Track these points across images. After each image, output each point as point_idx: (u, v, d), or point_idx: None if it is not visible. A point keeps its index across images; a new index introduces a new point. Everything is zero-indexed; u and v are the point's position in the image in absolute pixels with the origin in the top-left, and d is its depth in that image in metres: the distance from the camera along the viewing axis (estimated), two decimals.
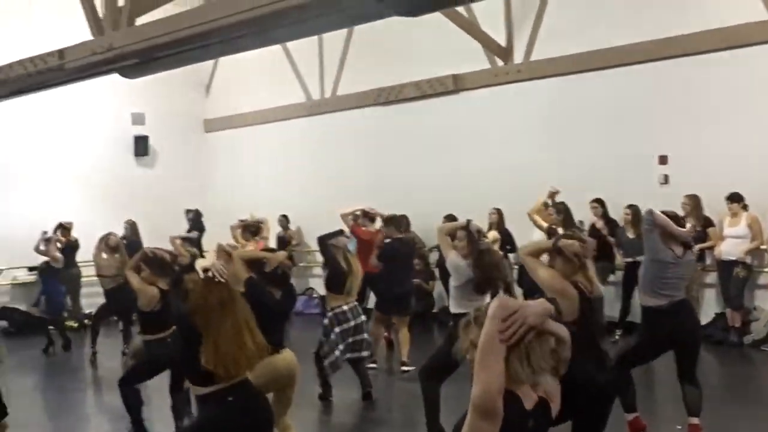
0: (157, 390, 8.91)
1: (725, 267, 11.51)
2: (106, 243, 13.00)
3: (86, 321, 15.24)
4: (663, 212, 7.19)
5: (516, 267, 11.98)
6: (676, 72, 11.98)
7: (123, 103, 17.75)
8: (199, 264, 5.23)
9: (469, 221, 8.06)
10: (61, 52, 10.51)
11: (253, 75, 17.72)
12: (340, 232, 10.07)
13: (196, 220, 17.26)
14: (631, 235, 11.82)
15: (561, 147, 13.27)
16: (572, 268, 5.56)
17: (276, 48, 15.70)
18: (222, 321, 4.87)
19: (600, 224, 12.41)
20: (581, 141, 13.12)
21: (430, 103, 15.01)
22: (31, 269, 15.97)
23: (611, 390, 5.68)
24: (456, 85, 14.60)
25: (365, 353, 9.72)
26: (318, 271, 15.89)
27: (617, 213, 12.37)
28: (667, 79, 12.13)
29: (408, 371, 10.48)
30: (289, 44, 16.22)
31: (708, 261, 11.89)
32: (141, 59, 9.96)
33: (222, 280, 5.04)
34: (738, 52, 11.34)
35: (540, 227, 10.89)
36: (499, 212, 13.37)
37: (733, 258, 11.34)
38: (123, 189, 17.63)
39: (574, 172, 12.82)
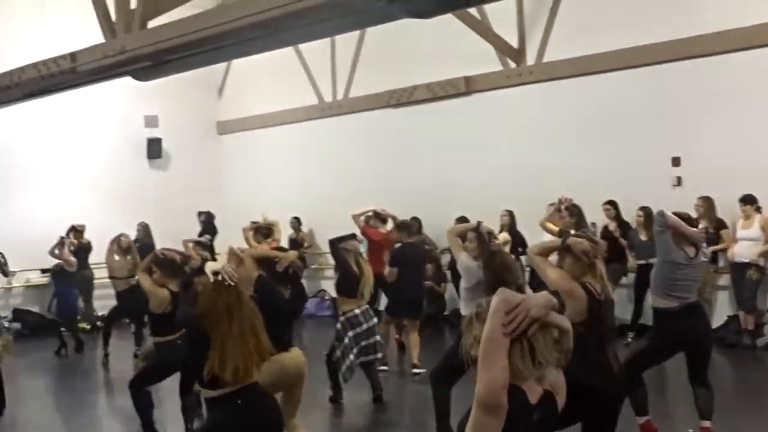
0: (168, 392, 8.92)
1: (738, 269, 11.46)
2: (117, 244, 13.06)
3: (99, 323, 15.29)
4: (675, 213, 7.16)
5: (528, 269, 11.95)
6: (690, 73, 11.94)
7: (136, 105, 17.79)
8: (209, 267, 5.21)
9: (479, 223, 8.04)
10: (73, 55, 10.52)
11: (266, 77, 17.74)
12: (352, 236, 10.06)
13: (208, 223, 17.29)
14: (643, 237, 11.78)
15: (573, 149, 13.23)
16: (581, 269, 5.54)
17: (288, 50, 15.73)
18: (228, 325, 4.87)
19: (612, 226, 12.37)
20: (594, 143, 13.08)
21: (442, 105, 15.00)
22: (44, 271, 16.04)
23: (619, 391, 5.64)
24: (468, 87, 14.57)
25: (379, 355, 9.72)
26: (330, 273, 15.88)
27: (630, 215, 12.33)
28: (680, 81, 12.09)
29: (419, 374, 10.49)
30: (302, 46, 16.24)
31: (721, 263, 11.86)
32: (153, 62, 9.95)
33: (231, 283, 5.04)
34: (752, 53, 11.30)
35: (551, 232, 10.79)
36: (510, 214, 13.35)
37: (746, 260, 11.30)
38: (136, 191, 17.67)
39: (586, 174, 12.79)
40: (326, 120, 17.12)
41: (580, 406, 3.82)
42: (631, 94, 12.62)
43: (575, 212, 11.65)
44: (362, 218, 12.85)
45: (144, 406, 8.10)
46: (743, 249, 11.34)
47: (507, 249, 9.85)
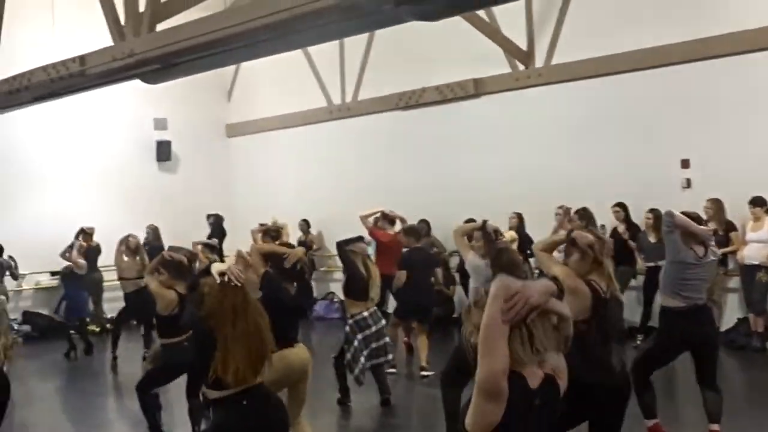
0: (175, 394, 8.92)
1: (748, 271, 11.41)
2: (126, 245, 13.07)
3: (108, 325, 15.32)
4: (683, 212, 7.13)
5: (537, 271, 11.91)
6: (700, 75, 11.90)
7: (145, 108, 17.82)
8: (216, 268, 5.21)
9: (485, 221, 8.03)
10: (82, 58, 10.57)
11: (275, 80, 17.76)
12: (359, 238, 10.05)
13: (217, 225, 17.30)
14: (652, 239, 11.74)
15: (582, 151, 13.20)
16: (587, 265, 5.51)
17: (297, 53, 15.74)
18: (233, 326, 4.87)
19: (622, 228, 12.34)
20: (603, 145, 13.04)
21: (451, 107, 14.98)
22: (53, 274, 16.07)
23: (620, 389, 5.59)
24: (477, 89, 14.55)
25: (389, 357, 9.70)
26: (339, 275, 15.87)
27: (639, 217, 12.29)
28: (689, 83, 12.04)
29: (427, 376, 10.47)
30: (310, 49, 16.23)
31: (731, 265, 11.81)
32: (162, 65, 9.99)
33: (238, 284, 5.04)
34: (762, 55, 11.26)
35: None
36: (519, 216, 13.33)
37: (756, 262, 11.25)
38: (145, 194, 17.69)
39: (595, 177, 12.77)
40: (335, 122, 17.11)
41: (581, 404, 3.82)
42: (639, 96, 12.58)
43: (585, 216, 11.65)
44: (370, 220, 12.84)
45: (151, 408, 8.11)
46: (753, 251, 11.29)
47: (514, 247, 9.81)
